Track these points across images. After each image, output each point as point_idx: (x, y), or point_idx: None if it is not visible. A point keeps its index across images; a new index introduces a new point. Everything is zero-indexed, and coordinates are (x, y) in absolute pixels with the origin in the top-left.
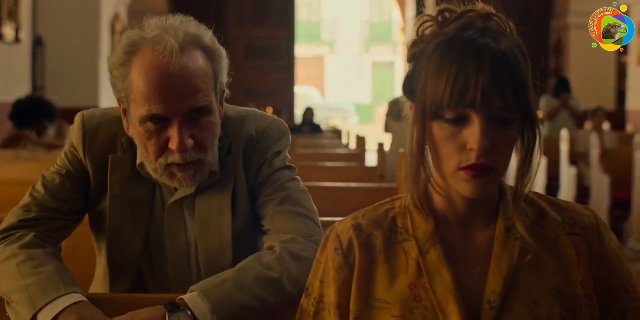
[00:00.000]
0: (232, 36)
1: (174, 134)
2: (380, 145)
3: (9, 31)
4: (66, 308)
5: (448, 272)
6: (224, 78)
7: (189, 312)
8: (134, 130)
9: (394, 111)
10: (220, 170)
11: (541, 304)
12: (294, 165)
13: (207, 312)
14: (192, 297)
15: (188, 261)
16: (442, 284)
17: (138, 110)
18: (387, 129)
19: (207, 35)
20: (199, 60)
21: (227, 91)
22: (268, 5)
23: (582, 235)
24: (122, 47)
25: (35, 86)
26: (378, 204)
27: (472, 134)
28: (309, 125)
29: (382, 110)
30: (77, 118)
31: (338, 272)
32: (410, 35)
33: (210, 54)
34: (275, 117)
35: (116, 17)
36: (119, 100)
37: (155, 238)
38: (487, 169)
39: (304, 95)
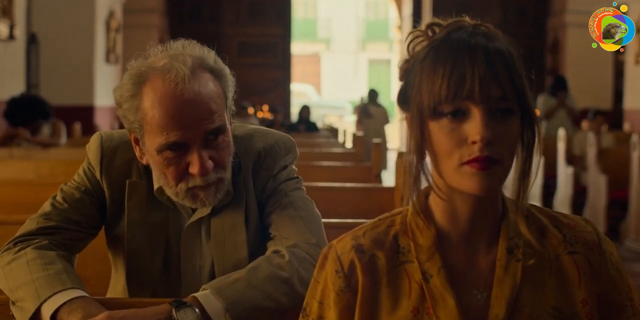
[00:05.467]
0: (227, 34)
1: (194, 158)
2: (376, 145)
3: (3, 28)
4: (72, 300)
5: (452, 298)
6: (231, 95)
7: (197, 310)
8: (150, 158)
9: (363, 111)
10: (233, 189)
11: None
12: (299, 177)
13: (221, 310)
14: (205, 295)
15: (200, 284)
16: (445, 309)
17: (155, 140)
18: (359, 121)
19: (211, 56)
20: (209, 83)
21: (232, 108)
22: (263, 3)
23: (583, 253)
24: (129, 78)
25: (29, 84)
26: (377, 219)
27: (473, 126)
28: (305, 124)
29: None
30: (95, 139)
31: (339, 295)
32: (402, 54)
33: (217, 75)
34: (281, 132)
35: (111, 14)
36: (130, 130)
37: (171, 261)
38: (492, 161)
39: (300, 93)
